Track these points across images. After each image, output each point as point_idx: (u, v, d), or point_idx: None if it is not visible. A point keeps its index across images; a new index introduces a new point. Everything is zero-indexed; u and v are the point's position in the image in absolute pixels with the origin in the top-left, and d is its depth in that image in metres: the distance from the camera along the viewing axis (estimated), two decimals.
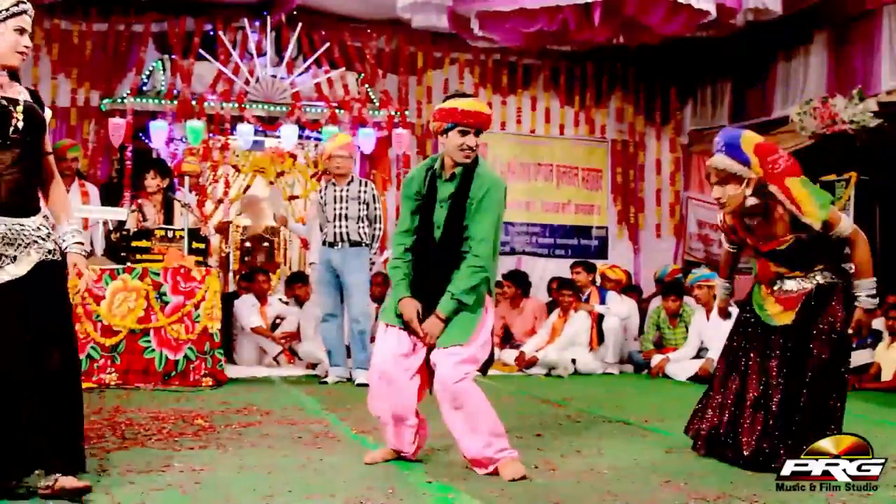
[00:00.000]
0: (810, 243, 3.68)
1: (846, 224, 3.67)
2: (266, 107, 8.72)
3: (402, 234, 3.73)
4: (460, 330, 3.53)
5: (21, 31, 3.04)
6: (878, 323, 7.73)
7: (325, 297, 6.82)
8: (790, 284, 3.78)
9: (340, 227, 6.71)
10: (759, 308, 3.84)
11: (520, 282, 8.76)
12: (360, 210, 6.74)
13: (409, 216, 3.71)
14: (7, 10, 3.01)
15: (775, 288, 3.82)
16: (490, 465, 3.50)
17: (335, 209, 6.75)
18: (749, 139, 3.67)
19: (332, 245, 6.75)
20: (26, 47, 3.07)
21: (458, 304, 3.52)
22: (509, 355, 8.12)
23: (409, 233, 3.70)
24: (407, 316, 3.56)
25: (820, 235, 3.64)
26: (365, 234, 6.76)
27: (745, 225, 3.85)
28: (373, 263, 6.99)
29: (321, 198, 6.87)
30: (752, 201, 3.68)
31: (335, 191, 6.80)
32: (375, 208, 6.84)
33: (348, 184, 6.81)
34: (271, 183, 9.23)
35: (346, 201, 6.75)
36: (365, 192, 6.79)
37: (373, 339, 7.16)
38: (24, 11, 3.05)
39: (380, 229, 6.90)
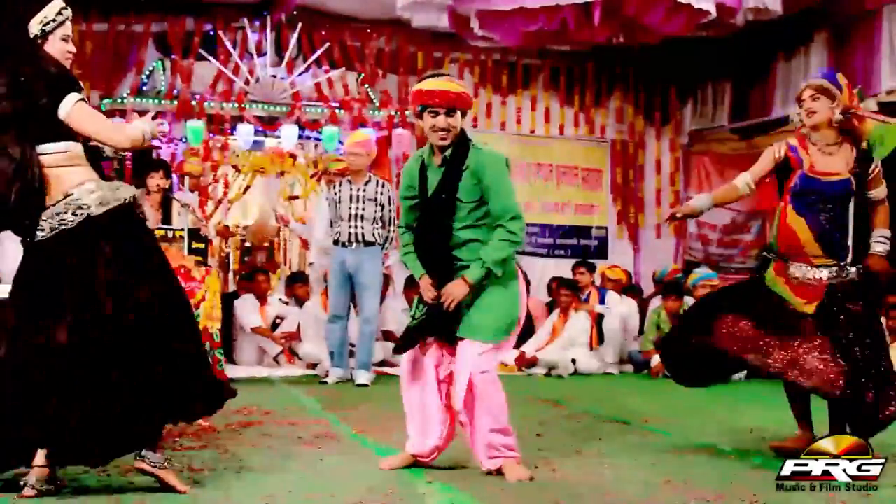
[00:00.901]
0: (851, 196, 3.88)
1: (884, 189, 3.96)
2: (266, 107, 8.72)
3: (405, 230, 3.70)
4: (496, 328, 3.47)
5: (66, 38, 3.17)
6: None
7: (335, 298, 6.78)
8: (811, 273, 3.88)
9: (355, 227, 6.67)
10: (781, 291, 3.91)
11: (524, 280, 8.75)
12: (376, 211, 6.70)
13: (408, 211, 3.67)
14: (54, 20, 3.13)
15: (793, 274, 3.89)
16: (495, 459, 3.46)
17: (350, 208, 6.70)
18: (842, 76, 3.99)
19: (345, 245, 6.71)
20: (70, 52, 3.20)
21: (486, 272, 3.43)
22: (509, 355, 8.09)
23: (410, 227, 3.67)
24: (430, 296, 3.48)
25: (863, 192, 3.89)
26: (379, 234, 6.73)
27: (813, 149, 3.95)
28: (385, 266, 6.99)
29: (335, 194, 6.81)
30: (839, 118, 3.88)
31: (351, 189, 6.74)
32: (390, 210, 6.77)
33: (365, 183, 6.75)
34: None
35: (363, 202, 6.70)
36: (382, 193, 6.74)
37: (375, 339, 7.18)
38: (68, 18, 3.19)
39: (393, 231, 6.84)
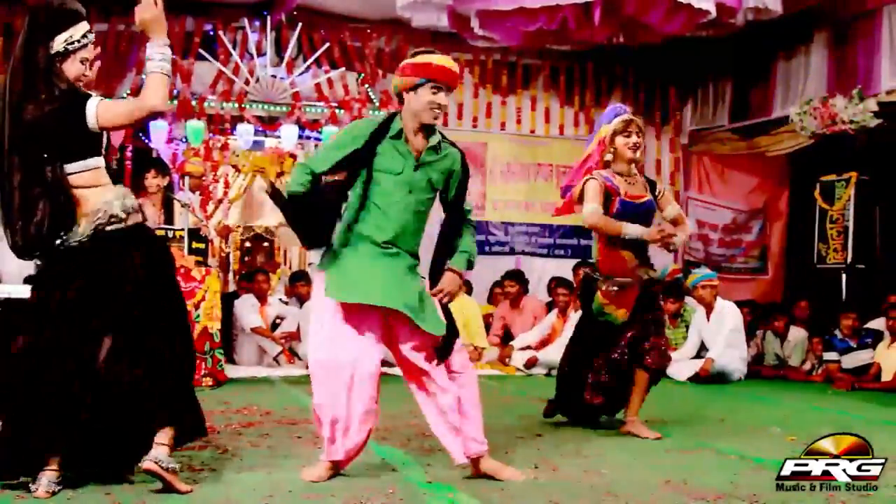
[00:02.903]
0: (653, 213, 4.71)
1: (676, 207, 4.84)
2: (266, 107, 8.71)
3: (312, 166, 3.40)
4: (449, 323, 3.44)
5: (84, 61, 3.17)
6: (879, 323, 7.74)
7: None
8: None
9: None
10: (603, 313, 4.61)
11: (520, 280, 8.75)
12: None
13: (334, 159, 3.38)
14: (78, 41, 3.14)
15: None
16: (482, 446, 3.44)
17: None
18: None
19: None
20: (85, 76, 3.19)
21: (469, 266, 3.50)
22: (519, 358, 8.03)
23: (319, 168, 3.39)
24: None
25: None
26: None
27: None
28: None
29: None
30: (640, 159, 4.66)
31: None
32: None
33: None
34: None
35: None
36: None
37: None
38: (91, 43, 3.19)
39: None
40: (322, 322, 3.41)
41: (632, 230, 4.42)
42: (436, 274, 3.48)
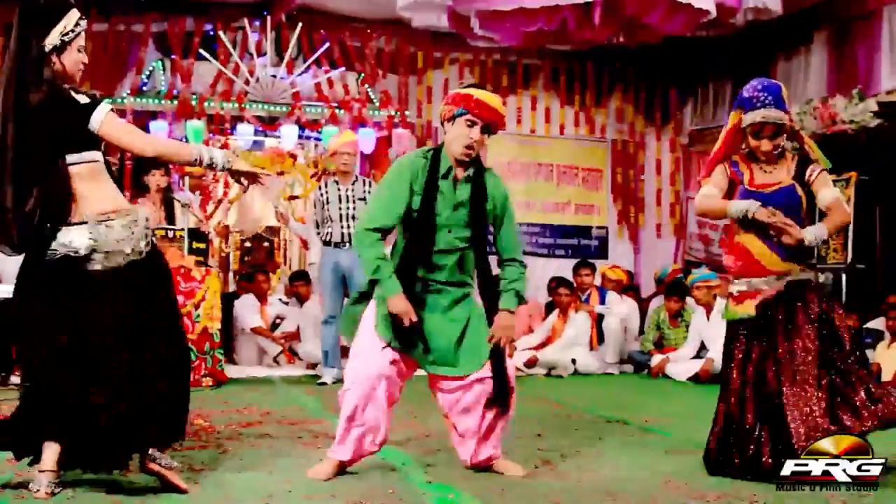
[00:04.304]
0: (799, 203, 3.72)
1: (838, 191, 3.83)
2: (266, 107, 8.71)
3: (379, 225, 3.46)
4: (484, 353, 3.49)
5: (81, 49, 3.18)
6: (879, 323, 7.73)
7: (331, 300, 6.79)
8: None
9: (348, 227, 6.69)
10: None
11: None
12: None
13: (395, 206, 3.43)
14: (73, 30, 3.13)
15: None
16: (498, 448, 3.59)
17: (340, 209, 6.73)
18: (784, 90, 3.76)
19: (338, 245, 6.72)
20: (84, 63, 3.21)
21: (520, 300, 3.51)
22: (519, 358, 8.01)
23: (386, 225, 3.46)
24: (403, 309, 3.34)
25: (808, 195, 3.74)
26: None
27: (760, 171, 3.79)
28: None
29: (322, 195, 6.84)
30: (788, 145, 3.79)
31: (339, 189, 6.78)
32: None
33: (353, 183, 6.79)
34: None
35: (353, 201, 6.73)
36: (369, 192, 6.77)
37: None
38: (84, 29, 3.19)
39: None
40: (365, 334, 3.52)
41: (735, 208, 3.66)
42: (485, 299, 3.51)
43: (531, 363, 7.85)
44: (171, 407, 3.16)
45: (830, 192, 3.73)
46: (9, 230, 3.06)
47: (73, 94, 3.10)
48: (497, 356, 3.43)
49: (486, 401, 3.45)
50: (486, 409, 3.45)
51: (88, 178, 3.12)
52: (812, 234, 3.62)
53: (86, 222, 3.08)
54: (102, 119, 3.08)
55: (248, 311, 8.05)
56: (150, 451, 3.10)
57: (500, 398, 3.43)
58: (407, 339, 3.41)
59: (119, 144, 3.16)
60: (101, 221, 3.08)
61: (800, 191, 3.70)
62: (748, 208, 3.62)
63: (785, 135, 3.75)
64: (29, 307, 3.12)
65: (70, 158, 3.09)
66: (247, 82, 8.67)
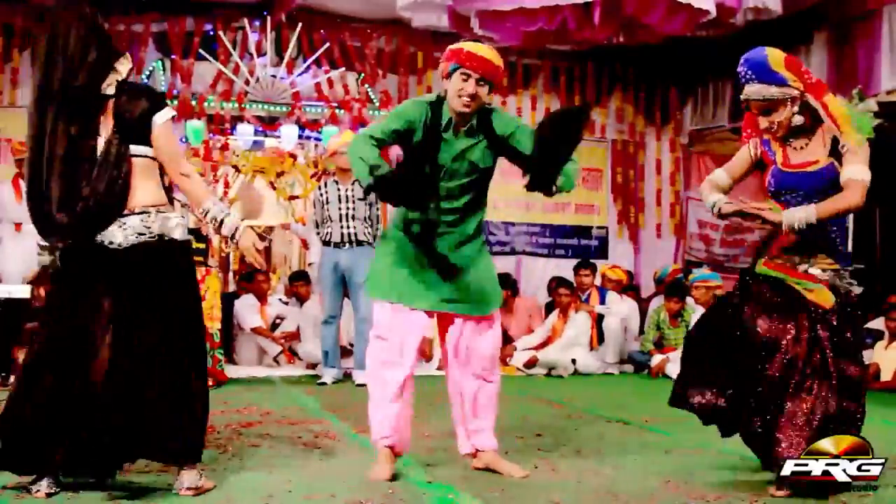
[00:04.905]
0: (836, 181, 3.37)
1: (863, 170, 3.39)
2: (266, 107, 8.71)
3: (373, 134, 3.37)
4: (497, 295, 3.58)
5: None
6: (879, 323, 7.74)
7: (330, 300, 6.79)
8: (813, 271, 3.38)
9: (348, 227, 6.69)
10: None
11: (508, 283, 8.73)
12: (366, 210, 6.73)
13: (389, 131, 3.38)
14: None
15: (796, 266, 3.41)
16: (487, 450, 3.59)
17: (340, 209, 6.73)
18: (776, 56, 3.39)
19: (338, 245, 6.72)
20: None
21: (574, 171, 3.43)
22: (519, 358, 8.02)
23: (382, 137, 3.38)
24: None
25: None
26: (369, 233, 6.76)
27: (790, 150, 3.47)
28: None
29: (322, 195, 6.84)
30: (799, 120, 3.42)
31: (339, 189, 6.77)
32: (377, 209, 6.84)
33: (353, 183, 6.79)
34: (271, 183, 9.22)
35: (353, 201, 6.73)
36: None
37: None
38: None
39: (379, 230, 6.90)
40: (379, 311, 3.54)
41: (708, 201, 3.53)
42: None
43: (531, 363, 7.85)
44: (176, 417, 3.06)
45: (849, 170, 3.37)
46: (52, 221, 3.03)
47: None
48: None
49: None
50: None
51: (144, 172, 3.13)
52: (794, 216, 3.30)
53: (129, 215, 3.09)
54: (164, 121, 3.12)
55: (248, 311, 8.05)
56: (182, 479, 3.07)
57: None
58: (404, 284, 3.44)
59: (157, 152, 3.14)
60: (138, 213, 3.10)
61: (839, 168, 3.40)
62: (716, 202, 3.48)
63: (786, 108, 3.40)
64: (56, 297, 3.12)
65: (133, 150, 3.10)
66: (247, 82, 8.67)
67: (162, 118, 3.12)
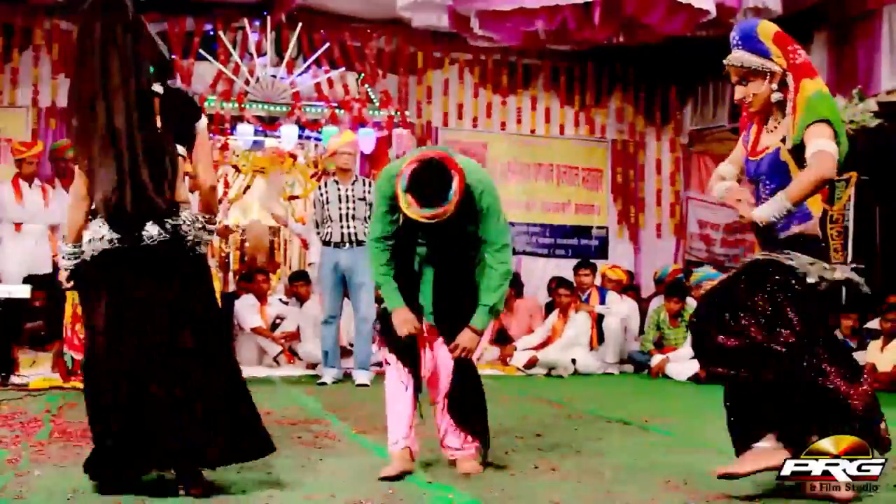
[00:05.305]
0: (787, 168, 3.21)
1: (827, 143, 3.09)
2: (266, 107, 8.70)
3: (381, 239, 3.59)
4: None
5: None
6: (878, 323, 7.74)
7: (330, 300, 6.80)
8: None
9: (348, 227, 6.70)
10: None
11: (513, 282, 8.72)
12: (366, 210, 6.74)
13: (387, 220, 3.57)
14: None
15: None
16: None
17: (340, 209, 6.73)
18: (766, 28, 3.29)
19: (338, 245, 6.73)
20: None
21: (493, 315, 3.55)
22: (519, 358, 8.02)
23: (386, 239, 3.59)
24: (408, 330, 3.50)
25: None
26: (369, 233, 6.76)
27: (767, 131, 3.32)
28: None
29: (322, 195, 6.84)
30: (777, 97, 3.26)
31: (339, 189, 6.77)
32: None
33: (353, 183, 6.80)
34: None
35: (353, 201, 6.73)
36: (369, 192, 6.78)
37: (374, 340, 7.20)
38: None
39: None
40: None
41: (717, 193, 3.45)
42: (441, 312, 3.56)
43: (531, 363, 7.85)
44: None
45: (813, 145, 3.11)
46: (153, 206, 3.09)
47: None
48: (458, 368, 3.54)
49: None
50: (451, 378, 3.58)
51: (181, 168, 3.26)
52: (763, 212, 3.19)
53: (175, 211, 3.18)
54: (203, 128, 3.28)
55: (248, 311, 8.05)
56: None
57: (452, 405, 3.56)
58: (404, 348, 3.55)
59: (196, 157, 3.27)
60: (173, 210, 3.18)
61: (784, 155, 3.23)
62: (719, 192, 3.40)
63: (764, 82, 3.26)
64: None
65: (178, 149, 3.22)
66: (247, 82, 8.67)
67: (202, 125, 3.27)
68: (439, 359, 3.62)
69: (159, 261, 3.09)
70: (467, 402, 3.58)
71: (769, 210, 3.16)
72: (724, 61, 3.34)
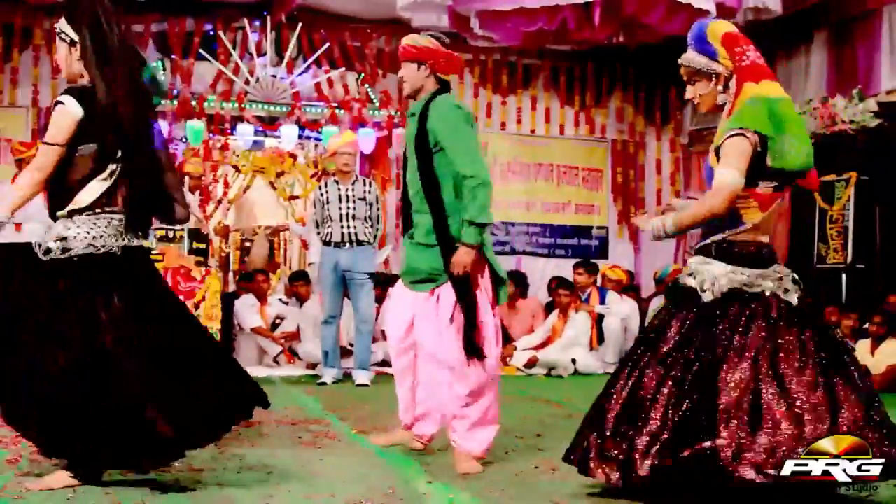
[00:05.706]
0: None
1: (727, 172, 3.05)
2: (266, 107, 8.71)
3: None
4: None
5: None
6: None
7: (330, 300, 6.80)
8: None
9: (348, 227, 6.70)
10: None
11: (519, 281, 8.74)
12: (366, 210, 6.74)
13: None
14: None
15: None
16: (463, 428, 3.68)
17: (340, 209, 6.73)
18: (716, 28, 3.24)
19: (338, 245, 6.73)
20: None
21: (479, 227, 3.58)
22: (519, 358, 8.02)
23: None
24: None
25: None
26: (369, 233, 6.77)
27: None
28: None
29: (322, 195, 6.84)
30: (722, 99, 3.23)
31: (339, 189, 6.77)
32: (377, 209, 6.85)
33: (353, 183, 6.80)
34: (271, 184, 9.23)
35: (353, 201, 6.73)
36: (369, 192, 6.79)
37: (374, 340, 7.21)
38: None
39: (380, 230, 6.91)
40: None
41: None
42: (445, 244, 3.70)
43: (531, 363, 7.85)
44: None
45: (716, 173, 3.12)
46: (168, 208, 3.34)
47: None
48: (459, 290, 3.62)
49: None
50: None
51: None
52: (650, 226, 3.29)
53: None
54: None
55: (248, 311, 8.05)
56: None
57: (466, 341, 3.60)
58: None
59: None
60: None
61: (713, 160, 3.20)
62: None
63: (709, 84, 3.24)
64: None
65: None
66: (247, 82, 8.67)
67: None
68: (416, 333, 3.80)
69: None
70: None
71: (652, 225, 3.27)
72: (679, 60, 3.33)
